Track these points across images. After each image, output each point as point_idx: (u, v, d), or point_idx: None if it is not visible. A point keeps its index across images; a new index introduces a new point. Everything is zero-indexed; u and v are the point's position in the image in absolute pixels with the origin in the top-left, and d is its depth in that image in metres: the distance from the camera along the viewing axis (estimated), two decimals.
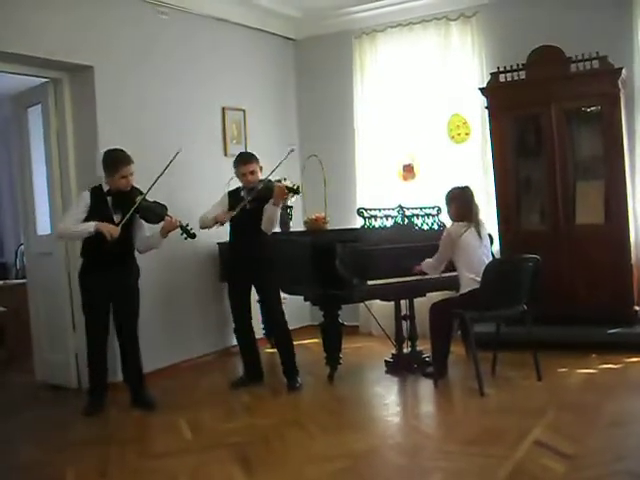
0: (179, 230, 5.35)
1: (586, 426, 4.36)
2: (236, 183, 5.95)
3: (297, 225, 7.10)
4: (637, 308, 6.39)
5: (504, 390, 5.31)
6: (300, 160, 7.98)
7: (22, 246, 8.20)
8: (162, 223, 5.36)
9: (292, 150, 5.65)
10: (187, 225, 5.37)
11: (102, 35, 6.01)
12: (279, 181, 5.72)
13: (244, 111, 7.57)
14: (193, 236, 5.40)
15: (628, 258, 6.37)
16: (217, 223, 5.70)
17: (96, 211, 5.23)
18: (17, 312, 7.26)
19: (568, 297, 6.39)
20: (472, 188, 5.65)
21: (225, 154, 7.22)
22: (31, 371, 6.56)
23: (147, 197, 5.28)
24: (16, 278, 8.85)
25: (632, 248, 6.43)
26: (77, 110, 6.07)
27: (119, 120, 6.12)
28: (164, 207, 5.37)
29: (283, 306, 6.01)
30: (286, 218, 6.90)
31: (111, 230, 5.10)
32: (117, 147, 5.41)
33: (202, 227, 5.80)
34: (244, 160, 5.78)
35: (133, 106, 6.28)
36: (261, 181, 5.67)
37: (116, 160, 5.24)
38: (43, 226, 6.32)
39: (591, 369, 5.73)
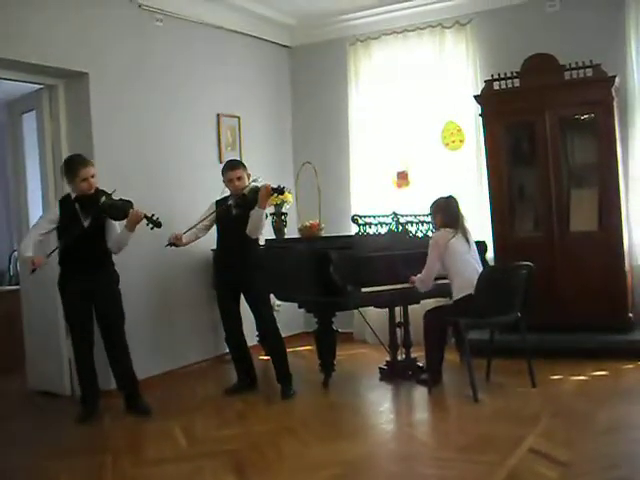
0: (146, 222, 5.29)
1: (580, 433, 4.36)
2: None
3: (292, 232, 7.10)
4: (631, 315, 6.41)
5: (498, 397, 5.31)
6: (294, 167, 8.00)
7: (15, 252, 8.19)
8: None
9: (255, 180, 5.65)
10: (153, 215, 5.30)
11: (97, 42, 6.01)
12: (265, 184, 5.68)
13: (239, 118, 7.57)
14: (159, 225, 5.31)
15: (622, 265, 6.38)
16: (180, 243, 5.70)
17: (66, 219, 5.22)
18: (10, 318, 7.24)
19: (562, 304, 6.40)
20: (457, 197, 5.63)
21: (220, 161, 7.20)
22: (24, 378, 6.52)
23: (113, 196, 5.26)
24: (9, 284, 8.82)
25: (626, 255, 6.44)
26: (72, 117, 6.07)
27: (114, 127, 6.12)
28: (129, 202, 5.30)
29: (276, 313, 6.00)
30: (280, 225, 6.90)
31: (35, 261, 5.04)
32: (75, 153, 5.45)
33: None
34: (231, 166, 5.79)
35: (128, 113, 6.28)
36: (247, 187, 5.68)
37: (74, 164, 5.23)
38: None
39: (585, 376, 5.73)
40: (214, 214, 5.79)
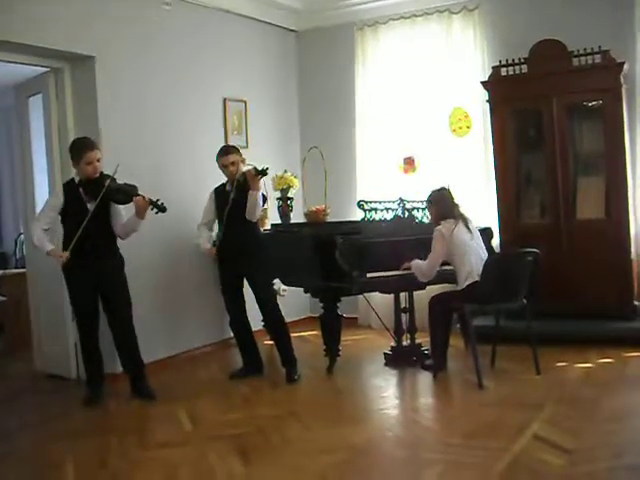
0: (151, 207, 5.27)
1: (584, 420, 4.36)
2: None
3: (297, 217, 7.09)
4: (637, 303, 6.40)
5: (503, 383, 5.32)
6: (301, 152, 7.99)
7: (22, 235, 8.21)
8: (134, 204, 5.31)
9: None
10: (157, 200, 5.30)
11: (104, 25, 5.98)
12: (254, 167, 5.63)
13: (245, 102, 7.56)
14: (164, 210, 5.31)
15: (628, 253, 6.38)
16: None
17: (70, 204, 5.22)
18: (17, 302, 7.27)
19: (568, 291, 6.39)
20: (450, 188, 5.63)
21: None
22: (30, 361, 6.57)
23: (117, 180, 5.23)
24: (15, 268, 8.85)
25: (632, 243, 6.44)
26: (78, 100, 6.05)
27: (120, 110, 6.11)
28: (133, 187, 5.30)
29: (282, 298, 6.01)
30: (286, 210, 6.89)
31: (63, 255, 5.12)
32: (82, 136, 5.45)
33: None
34: (224, 151, 5.85)
35: (134, 96, 6.27)
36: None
37: (79, 147, 5.23)
38: None
39: (590, 363, 5.73)
40: (215, 204, 5.86)
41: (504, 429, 4.26)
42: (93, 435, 4.65)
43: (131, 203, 5.29)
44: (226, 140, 7.25)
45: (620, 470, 3.61)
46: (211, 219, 5.96)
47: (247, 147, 7.35)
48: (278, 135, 8.03)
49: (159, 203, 5.30)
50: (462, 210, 5.55)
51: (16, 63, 5.77)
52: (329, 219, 6.64)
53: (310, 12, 8.19)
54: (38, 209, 6.30)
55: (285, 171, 6.78)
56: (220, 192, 5.88)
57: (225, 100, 7.33)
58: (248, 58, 7.69)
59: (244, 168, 5.74)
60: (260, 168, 5.54)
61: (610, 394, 4.90)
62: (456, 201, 5.57)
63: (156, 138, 6.45)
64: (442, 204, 5.53)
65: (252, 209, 5.68)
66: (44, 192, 6.22)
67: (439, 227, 5.48)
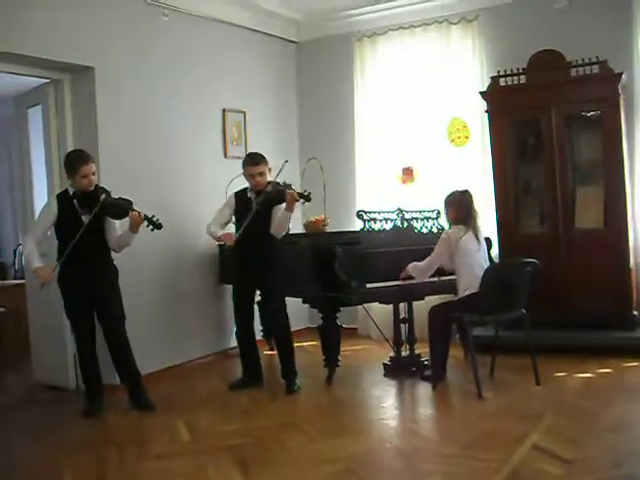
0: (146, 223, 5.22)
1: (584, 431, 4.36)
2: (236, 184, 5.92)
3: (297, 227, 7.09)
4: (635, 312, 6.39)
5: (502, 394, 5.31)
6: (300, 162, 7.99)
7: (21, 246, 8.21)
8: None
9: (286, 161, 5.62)
10: (153, 216, 5.24)
11: (103, 36, 6.00)
12: (290, 186, 5.59)
13: (244, 113, 7.57)
14: (159, 226, 5.25)
15: (627, 262, 6.38)
16: (221, 241, 5.66)
17: (65, 216, 5.21)
18: (16, 312, 7.26)
19: (567, 301, 6.39)
20: (471, 192, 5.65)
21: (225, 156, 7.24)
22: (29, 372, 6.56)
23: (112, 195, 5.22)
24: (14, 279, 8.84)
25: (631, 252, 6.44)
26: (77, 111, 6.07)
27: (119, 121, 6.12)
28: (129, 202, 5.26)
29: None
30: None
31: (46, 277, 5.13)
32: (77, 148, 5.45)
33: (210, 235, 5.84)
34: (253, 161, 5.68)
35: (133, 107, 6.28)
36: (269, 183, 5.61)
37: (74, 160, 5.20)
38: None
39: (589, 373, 5.73)
40: (234, 209, 5.78)
41: (503, 439, 4.25)
42: (92, 447, 4.62)
43: (126, 218, 5.27)
44: (225, 151, 7.27)
45: None
46: (223, 222, 5.83)
47: None
48: (277, 146, 8.03)
49: (154, 219, 5.25)
50: (478, 220, 5.55)
51: (15, 74, 5.78)
52: (328, 229, 6.64)
53: (309, 23, 8.23)
54: (34, 224, 6.32)
55: (284, 182, 6.77)
56: (241, 198, 5.76)
57: (224, 111, 7.34)
58: (247, 69, 7.71)
59: (279, 180, 5.62)
60: (304, 192, 5.45)
61: (609, 404, 4.89)
62: (475, 208, 5.57)
63: (155, 149, 6.45)
64: (461, 206, 5.53)
65: (281, 228, 5.62)
66: (43, 203, 6.20)
67: (447, 231, 5.51)
